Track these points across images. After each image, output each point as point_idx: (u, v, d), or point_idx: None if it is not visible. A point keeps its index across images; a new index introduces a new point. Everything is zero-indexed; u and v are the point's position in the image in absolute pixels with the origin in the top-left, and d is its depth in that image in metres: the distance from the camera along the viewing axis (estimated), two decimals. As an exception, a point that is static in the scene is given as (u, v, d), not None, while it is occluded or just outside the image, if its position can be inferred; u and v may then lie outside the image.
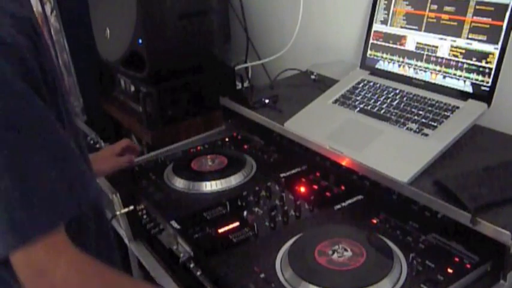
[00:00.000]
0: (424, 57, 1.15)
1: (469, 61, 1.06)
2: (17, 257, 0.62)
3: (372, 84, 1.23)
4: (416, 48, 1.17)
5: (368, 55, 1.29)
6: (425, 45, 1.15)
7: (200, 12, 1.55)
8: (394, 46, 1.22)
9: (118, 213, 1.09)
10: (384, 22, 1.25)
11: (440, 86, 1.12)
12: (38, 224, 0.61)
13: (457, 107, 1.06)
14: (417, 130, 1.04)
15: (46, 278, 0.62)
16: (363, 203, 1.06)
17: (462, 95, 1.07)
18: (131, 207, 1.12)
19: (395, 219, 0.98)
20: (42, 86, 0.67)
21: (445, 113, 1.05)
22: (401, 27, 1.21)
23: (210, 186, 1.15)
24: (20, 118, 0.62)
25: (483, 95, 1.04)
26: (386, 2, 1.25)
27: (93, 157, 1.12)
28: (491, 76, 1.02)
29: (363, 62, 1.31)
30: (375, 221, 0.99)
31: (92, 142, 1.54)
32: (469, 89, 1.06)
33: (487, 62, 1.03)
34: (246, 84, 1.71)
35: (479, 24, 1.04)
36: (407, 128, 1.05)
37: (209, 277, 0.90)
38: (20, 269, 0.63)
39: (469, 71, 1.06)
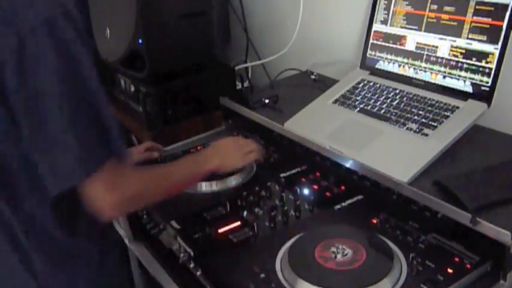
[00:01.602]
0: (424, 57, 1.15)
1: (469, 61, 1.06)
2: (93, 182, 0.76)
3: (372, 84, 1.23)
4: (416, 48, 1.17)
5: (368, 55, 1.29)
6: (425, 45, 1.15)
7: (200, 12, 1.55)
8: (394, 46, 1.22)
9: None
10: (384, 22, 1.25)
11: (440, 86, 1.12)
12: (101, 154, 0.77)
13: (457, 107, 1.06)
14: (417, 130, 1.04)
15: (115, 192, 0.78)
16: (363, 203, 1.06)
17: (462, 95, 1.07)
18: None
19: (395, 219, 0.98)
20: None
21: (445, 113, 1.05)
22: (401, 27, 1.21)
23: (210, 186, 1.15)
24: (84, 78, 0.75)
25: (483, 95, 1.04)
26: (386, 2, 1.25)
27: None
28: (491, 76, 1.02)
29: (363, 62, 1.31)
30: (374, 221, 0.99)
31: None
32: (469, 89, 1.06)
33: (487, 62, 1.03)
34: (246, 84, 1.71)
35: (479, 24, 1.04)
36: (407, 128, 1.05)
37: (209, 277, 0.90)
38: (94, 190, 0.77)
39: (469, 71, 1.06)
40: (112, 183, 0.78)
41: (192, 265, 0.93)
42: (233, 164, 1.08)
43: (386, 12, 1.25)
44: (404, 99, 1.14)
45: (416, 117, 1.07)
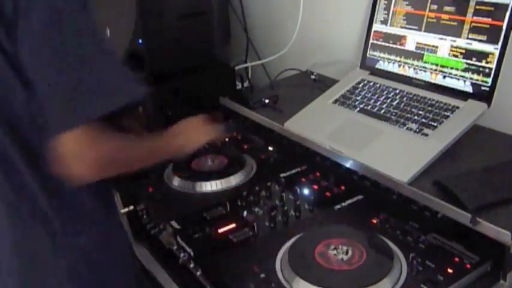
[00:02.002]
0: (424, 57, 1.15)
1: (469, 61, 1.06)
2: (74, 134, 0.75)
3: (372, 84, 1.23)
4: (416, 48, 1.17)
5: (368, 55, 1.29)
6: (425, 45, 1.15)
7: (200, 12, 1.55)
8: (394, 46, 1.22)
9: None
10: (384, 22, 1.25)
11: (440, 86, 1.12)
12: (95, 108, 0.76)
13: (457, 107, 1.06)
14: (417, 130, 1.04)
15: (94, 149, 0.78)
16: (363, 203, 1.06)
17: (462, 95, 1.07)
18: (131, 207, 1.12)
19: (395, 219, 0.98)
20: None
21: (445, 113, 1.05)
22: (401, 27, 1.21)
23: (210, 186, 1.15)
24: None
25: (483, 95, 1.04)
26: (386, 2, 1.25)
27: None
28: (491, 76, 1.02)
29: (363, 62, 1.31)
30: (375, 221, 0.99)
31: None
32: (469, 89, 1.06)
33: (487, 62, 1.03)
34: (246, 84, 1.71)
35: (479, 24, 1.04)
36: (407, 128, 1.05)
37: (209, 277, 0.90)
38: (73, 144, 0.76)
39: (469, 71, 1.06)
40: (93, 139, 0.77)
41: (192, 265, 0.94)
42: (195, 142, 1.05)
43: (386, 12, 1.25)
44: (404, 99, 1.14)
45: (416, 117, 1.07)
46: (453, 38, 1.09)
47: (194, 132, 1.06)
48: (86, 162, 0.78)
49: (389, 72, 1.23)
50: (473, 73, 1.05)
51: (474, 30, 1.05)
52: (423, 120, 1.06)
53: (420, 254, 0.86)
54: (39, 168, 0.82)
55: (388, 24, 1.24)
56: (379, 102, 1.16)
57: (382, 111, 1.13)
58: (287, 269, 0.85)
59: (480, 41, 1.04)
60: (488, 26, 1.03)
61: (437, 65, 1.13)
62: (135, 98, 0.81)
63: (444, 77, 1.11)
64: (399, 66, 1.21)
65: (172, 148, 1.00)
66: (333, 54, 1.54)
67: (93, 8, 0.78)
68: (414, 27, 1.17)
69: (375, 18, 1.27)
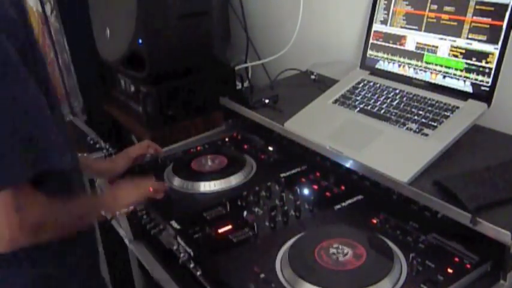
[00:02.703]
0: (424, 57, 1.15)
1: (469, 61, 1.06)
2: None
3: (371, 84, 1.23)
4: (416, 48, 1.17)
5: (368, 55, 1.29)
6: (425, 45, 1.15)
7: (200, 12, 1.55)
8: (394, 46, 1.22)
9: (118, 213, 1.09)
10: (384, 22, 1.25)
11: (440, 86, 1.12)
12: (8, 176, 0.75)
13: (457, 107, 1.06)
14: (417, 130, 1.04)
15: (19, 214, 0.76)
16: (363, 203, 1.06)
17: (462, 95, 1.07)
18: (131, 207, 1.12)
19: (396, 219, 0.98)
20: (28, 55, 0.78)
21: (445, 113, 1.05)
22: (401, 27, 1.21)
23: (210, 186, 1.15)
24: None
25: (483, 95, 1.04)
26: (386, 2, 1.25)
27: (115, 157, 1.28)
28: (491, 76, 1.02)
29: (363, 62, 1.31)
30: (374, 221, 0.99)
31: (91, 142, 1.54)
32: (469, 89, 1.06)
33: (487, 62, 1.03)
34: (246, 84, 1.71)
35: (479, 24, 1.04)
36: (407, 128, 1.05)
37: (209, 277, 0.90)
38: None
39: (469, 71, 1.06)
40: (19, 204, 0.76)
41: (192, 265, 0.94)
42: (126, 200, 1.04)
43: (386, 12, 1.25)
44: (404, 99, 1.14)
45: (416, 117, 1.07)
46: (453, 38, 1.09)
47: (126, 192, 1.05)
48: (10, 227, 0.76)
49: (389, 72, 1.23)
50: (473, 73, 1.05)
51: (474, 30, 1.05)
52: (423, 120, 1.06)
53: (420, 254, 0.86)
54: None
55: (388, 24, 1.24)
56: (379, 102, 1.16)
57: (382, 111, 1.13)
58: (287, 269, 0.85)
59: (480, 41, 1.04)
60: (488, 26, 1.03)
61: (437, 65, 1.13)
62: (57, 166, 0.80)
63: (444, 77, 1.11)
64: (399, 66, 1.21)
65: (103, 207, 0.99)
66: (333, 54, 1.54)
67: (27, 79, 0.76)
68: (414, 27, 1.17)
69: (374, 18, 1.27)
